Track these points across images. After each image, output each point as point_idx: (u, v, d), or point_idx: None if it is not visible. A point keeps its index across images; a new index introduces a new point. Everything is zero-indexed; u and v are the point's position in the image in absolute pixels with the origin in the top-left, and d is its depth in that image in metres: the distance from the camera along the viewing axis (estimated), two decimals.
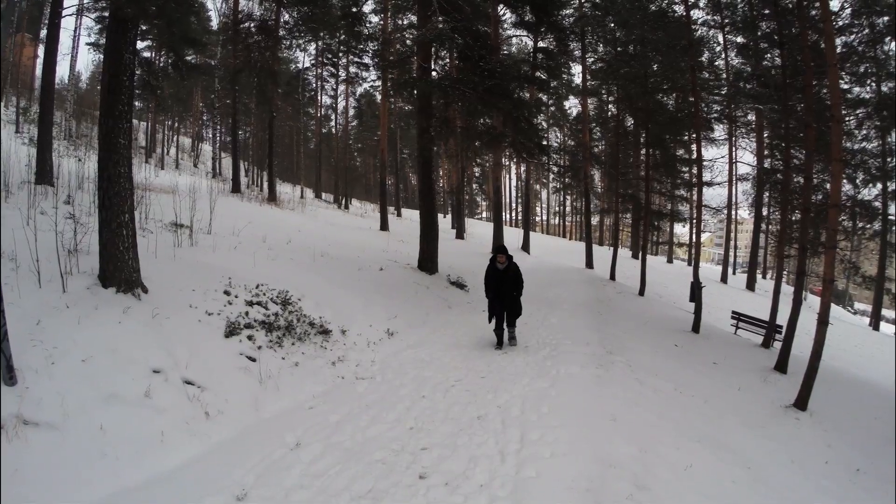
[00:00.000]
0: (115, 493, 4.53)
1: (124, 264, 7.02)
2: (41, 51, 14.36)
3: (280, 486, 4.83)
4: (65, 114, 32.99)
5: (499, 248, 10.66)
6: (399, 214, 41.49)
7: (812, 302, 25.94)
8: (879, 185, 25.18)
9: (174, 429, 5.43)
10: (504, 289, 10.29)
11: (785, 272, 19.04)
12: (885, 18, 15.76)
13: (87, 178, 12.37)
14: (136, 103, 37.69)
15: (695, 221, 20.42)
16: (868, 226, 25.05)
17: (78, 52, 39.03)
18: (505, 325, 10.50)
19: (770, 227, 34.56)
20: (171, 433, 5.36)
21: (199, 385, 6.18)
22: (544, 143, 20.16)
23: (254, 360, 7.28)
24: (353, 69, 40.77)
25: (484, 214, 72.25)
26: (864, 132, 21.43)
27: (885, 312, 33.65)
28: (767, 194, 29.64)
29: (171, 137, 51.85)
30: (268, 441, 5.68)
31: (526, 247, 32.22)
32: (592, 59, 30.13)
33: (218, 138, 53.10)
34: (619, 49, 24.87)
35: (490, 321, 10.58)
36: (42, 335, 5.58)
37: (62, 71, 65.42)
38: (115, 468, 4.75)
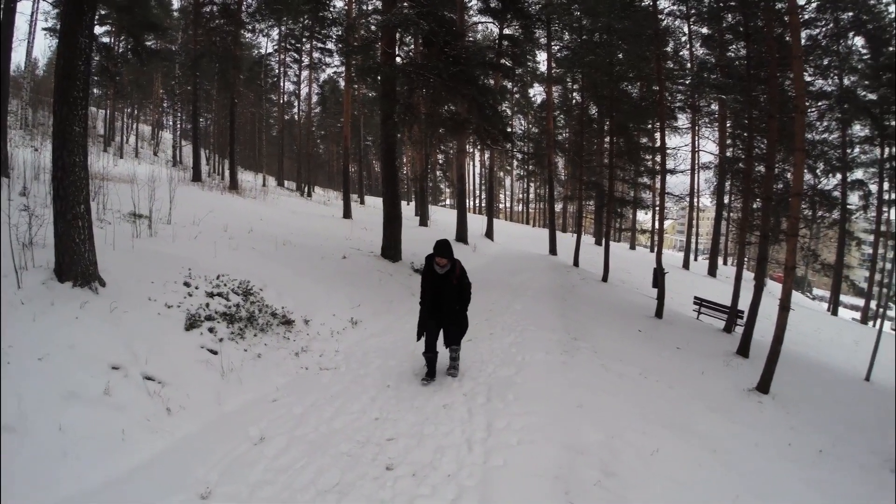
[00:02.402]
0: (76, 494, 4.42)
1: (80, 257, 6.82)
2: None
3: (245, 482, 4.76)
4: (21, 102, 32.20)
5: (439, 246, 7.56)
6: (362, 202, 41.28)
7: (772, 287, 26.52)
8: (839, 175, 25.80)
9: (135, 426, 5.30)
10: (444, 299, 7.63)
11: (746, 259, 19.31)
12: (850, 14, 16.04)
13: (44, 168, 12.03)
14: (95, 90, 37.06)
15: (657, 209, 20.61)
16: (827, 214, 25.67)
17: (34, 38, 38.05)
18: (442, 345, 7.89)
19: (731, 214, 35.17)
20: (133, 431, 5.23)
21: (159, 380, 6.06)
22: (509, 130, 20.09)
23: (215, 352, 7.15)
24: (316, 55, 40.33)
25: (448, 201, 72.34)
26: (826, 124, 21.89)
27: (843, 298, 34.51)
28: (729, 183, 30.08)
29: (131, 125, 50.95)
30: (231, 436, 5.59)
31: (490, 233, 32.27)
32: (558, 47, 30.29)
33: (178, 126, 52.20)
34: (584, 37, 24.99)
35: (419, 338, 7.73)
36: None
37: (18, 58, 63.71)
38: (77, 469, 4.63)
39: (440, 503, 4.59)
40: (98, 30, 25.02)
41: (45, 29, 34.18)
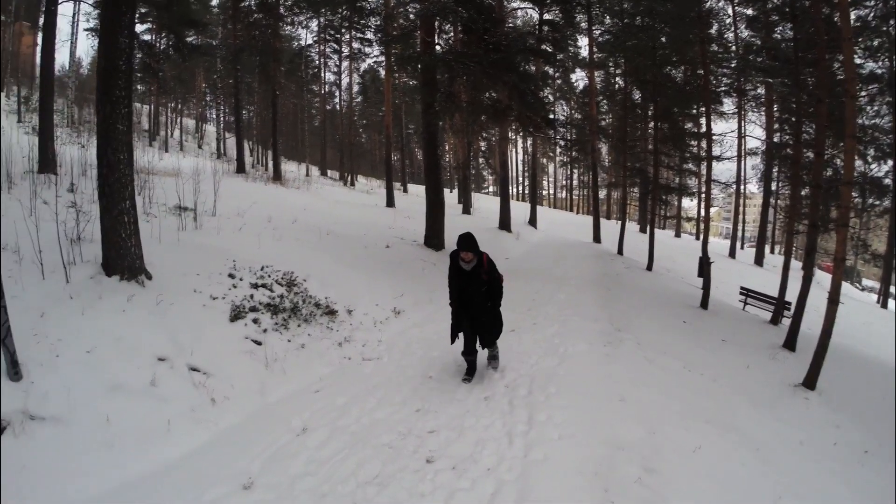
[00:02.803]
0: (122, 484, 4.53)
1: (127, 252, 6.98)
2: (40, 38, 14.32)
3: (286, 473, 4.82)
4: (67, 101, 33.01)
5: (462, 240, 6.94)
6: (405, 190, 41.32)
7: (821, 278, 25.76)
8: (890, 162, 25.00)
9: (180, 417, 5.42)
10: (473, 297, 7.15)
11: (794, 248, 18.92)
12: None
13: (91, 164, 12.22)
14: (139, 87, 37.77)
15: (703, 196, 20.25)
16: (878, 203, 24.89)
17: (77, 39, 38.98)
18: (478, 345, 7.41)
19: (779, 202, 34.35)
20: (177, 421, 5.35)
21: (204, 371, 6.17)
22: (551, 116, 19.88)
23: (259, 343, 7.26)
24: (355, 45, 40.48)
25: (490, 189, 71.95)
26: (876, 108, 21.19)
27: (893, 290, 33.52)
28: (777, 169, 29.40)
29: (175, 120, 51.77)
30: (274, 427, 5.66)
31: (533, 221, 32.04)
32: (599, 32, 29.77)
33: (221, 119, 53.01)
34: (626, 21, 24.54)
35: (453, 341, 7.46)
36: (46, 328, 5.57)
37: (62, 58, 65.47)
38: (122, 459, 4.75)
39: (479, 497, 4.57)
40: (139, 28, 25.50)
41: (87, 29, 34.99)
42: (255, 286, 8.47)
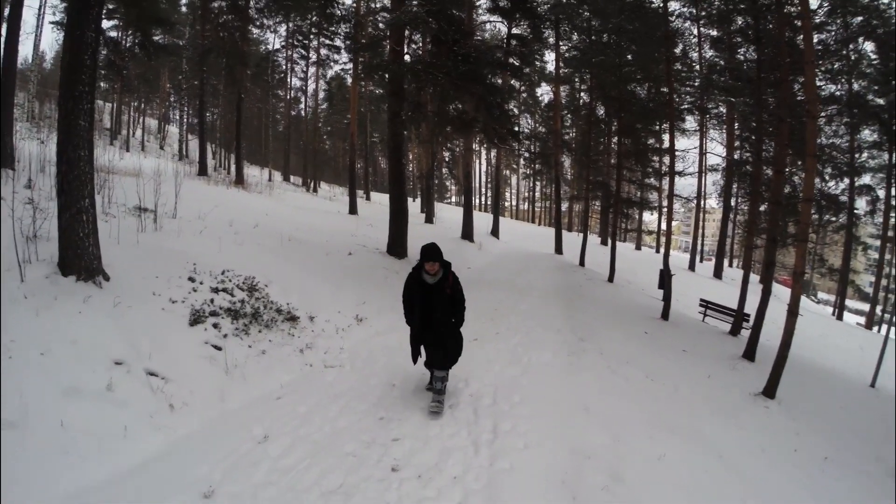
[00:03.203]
0: (78, 490, 4.38)
1: (84, 251, 6.78)
2: (4, 29, 14.03)
3: (248, 482, 4.71)
4: (28, 95, 32.28)
5: (427, 250, 6.49)
6: (368, 198, 41.25)
7: (778, 291, 26.28)
8: (847, 180, 25.64)
9: (138, 422, 5.26)
10: (434, 313, 6.61)
11: (752, 262, 19.34)
12: (860, 18, 15.95)
13: (49, 161, 11.94)
14: (102, 84, 37.14)
15: (665, 210, 20.53)
16: (834, 219, 25.52)
17: (42, 32, 38.08)
18: (433, 368, 6.89)
19: (738, 217, 35.04)
20: (135, 427, 5.19)
21: (163, 376, 6.00)
22: (516, 129, 20.02)
23: (220, 348, 7.10)
24: (324, 51, 40.47)
25: (453, 199, 72.31)
26: (835, 128, 21.79)
27: (848, 303, 34.35)
28: (736, 185, 30.01)
29: (137, 119, 51.01)
30: (235, 434, 5.54)
31: (496, 232, 32.16)
32: (566, 48, 30.14)
33: (185, 120, 52.38)
34: (593, 38, 24.91)
35: (415, 360, 6.95)
36: None
37: (26, 51, 64.00)
38: (78, 465, 4.59)
39: None
40: (106, 24, 25.05)
41: (52, 22, 34.18)
42: (216, 290, 8.31)
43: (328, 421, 6.05)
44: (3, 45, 13.98)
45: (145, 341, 6.30)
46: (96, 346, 5.81)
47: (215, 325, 7.48)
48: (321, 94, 49.01)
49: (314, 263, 12.00)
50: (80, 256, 6.76)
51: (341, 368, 7.89)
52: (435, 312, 6.62)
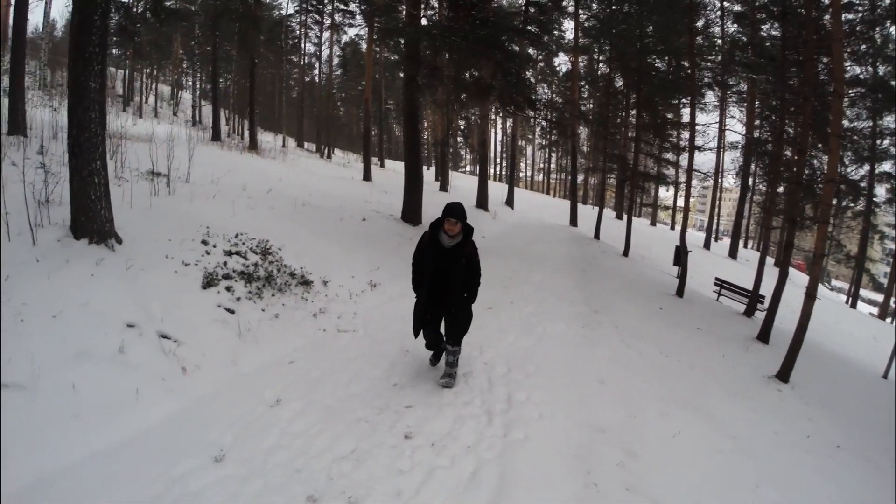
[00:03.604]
0: (88, 454, 4.34)
1: (96, 214, 6.72)
2: None
3: (259, 446, 4.66)
4: (39, 63, 32.23)
5: (451, 207, 5.85)
6: (382, 165, 41.04)
7: (793, 275, 26.05)
8: (867, 166, 25.21)
9: (149, 385, 5.22)
10: (448, 282, 5.95)
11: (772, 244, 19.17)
12: (888, 1, 15.52)
13: (62, 128, 11.91)
14: (114, 51, 36.97)
15: (683, 185, 20.28)
16: (852, 204, 25.15)
17: None
18: (444, 341, 6.37)
19: (755, 197, 34.64)
20: (146, 390, 5.15)
21: (175, 339, 5.97)
22: (533, 97, 19.76)
23: (232, 312, 7.07)
24: (338, 16, 40.01)
25: (468, 168, 72.01)
26: (857, 112, 21.37)
27: (863, 293, 34.03)
28: (755, 165, 29.58)
29: (150, 86, 50.81)
30: (247, 398, 5.50)
31: (510, 202, 32.05)
32: (585, 17, 29.62)
33: (198, 86, 52.14)
34: (613, 7, 24.42)
35: (417, 334, 6.33)
36: (10, 291, 5.34)
37: (36, 19, 63.83)
38: (89, 429, 4.55)
39: (459, 476, 4.47)
40: None
41: None
42: (229, 254, 8.26)
43: (341, 386, 6.01)
44: (12, 13, 13.88)
45: (158, 304, 6.26)
46: (108, 308, 5.77)
47: (228, 289, 7.43)
48: (335, 60, 48.78)
49: (328, 228, 11.94)
50: (91, 219, 6.71)
51: (354, 333, 7.85)
52: (448, 281, 5.93)
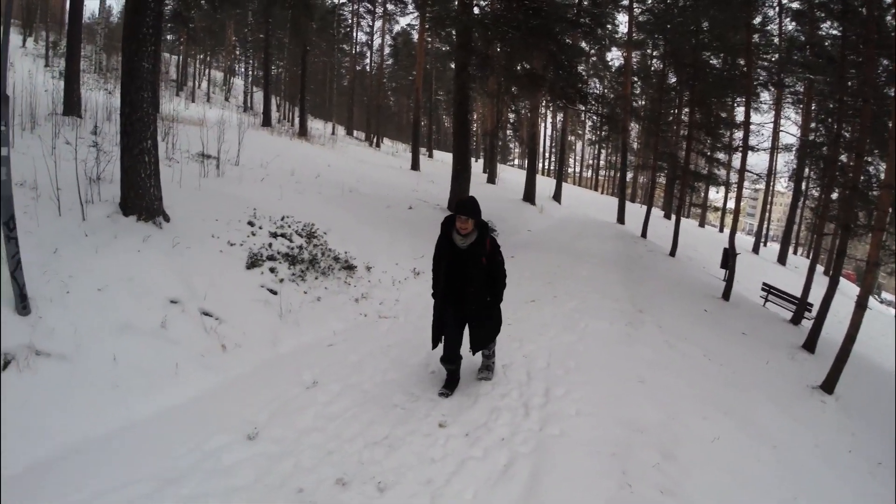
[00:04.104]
0: (125, 425, 4.43)
1: (146, 192, 6.85)
2: None
3: (293, 426, 4.69)
4: (95, 48, 32.98)
5: (461, 202, 5.36)
6: (431, 156, 41.13)
7: (843, 286, 25.35)
8: None
9: (189, 361, 5.31)
10: (466, 286, 5.38)
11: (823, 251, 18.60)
12: None
13: (116, 109, 12.13)
14: (169, 36, 37.55)
15: (734, 187, 19.86)
16: None
17: None
18: (469, 349, 5.73)
19: (807, 202, 33.80)
20: (186, 365, 5.24)
21: (216, 317, 6.05)
22: (585, 91, 19.54)
23: (275, 293, 7.14)
24: (390, 6, 40.22)
25: (516, 162, 71.91)
26: None
27: None
28: (808, 169, 28.84)
29: (203, 71, 51.62)
30: (284, 378, 5.54)
31: (558, 196, 31.82)
32: (640, 10, 29.19)
33: (250, 73, 52.73)
34: (668, 1, 23.98)
35: (435, 345, 5.72)
36: (58, 264, 5.46)
37: (93, 5, 65.74)
38: (127, 400, 4.64)
39: (492, 468, 4.40)
40: None
41: None
42: (275, 235, 8.34)
43: (379, 371, 6.01)
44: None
45: (201, 282, 6.35)
46: (153, 284, 5.87)
47: (272, 270, 7.52)
48: (387, 50, 48.86)
49: (374, 215, 11.99)
50: (141, 197, 6.84)
51: (395, 320, 7.87)
52: (467, 286, 5.38)
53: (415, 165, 27.80)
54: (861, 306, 9.49)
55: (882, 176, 10.99)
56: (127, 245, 6.22)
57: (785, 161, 33.58)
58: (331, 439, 4.57)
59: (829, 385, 9.38)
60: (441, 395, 5.61)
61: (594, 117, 43.32)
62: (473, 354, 5.80)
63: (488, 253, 5.40)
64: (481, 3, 17.98)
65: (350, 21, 46.81)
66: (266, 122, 29.34)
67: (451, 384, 5.75)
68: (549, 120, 62.14)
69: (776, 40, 24.04)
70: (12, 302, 4.72)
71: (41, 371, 4.44)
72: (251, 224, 8.29)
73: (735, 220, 17.13)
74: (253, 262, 7.38)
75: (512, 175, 38.81)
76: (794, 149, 29.13)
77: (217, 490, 3.79)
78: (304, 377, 5.60)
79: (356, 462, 4.29)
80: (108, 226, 6.43)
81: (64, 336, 4.76)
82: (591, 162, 70.30)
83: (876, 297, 43.80)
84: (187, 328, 5.65)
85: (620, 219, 29.10)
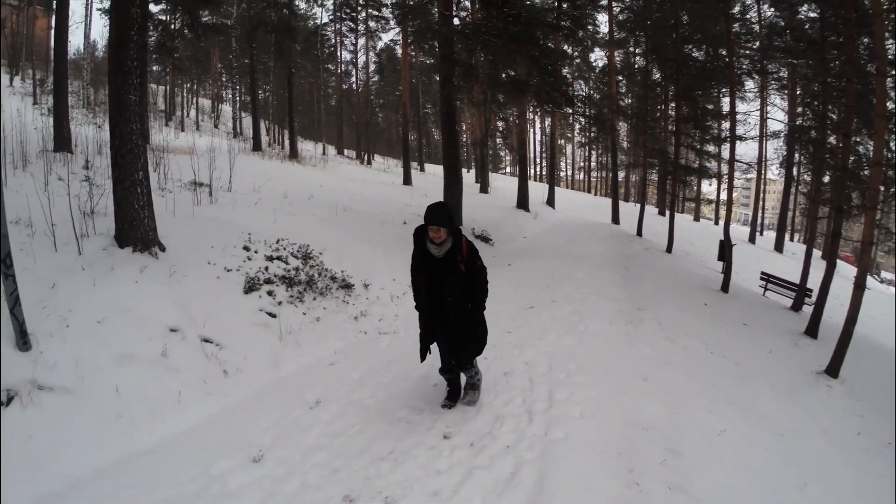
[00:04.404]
0: (130, 454, 4.45)
1: (140, 223, 6.90)
2: (53, 20, 14.62)
3: (297, 446, 4.70)
4: (82, 83, 33.10)
5: (432, 210, 4.96)
6: (422, 169, 41.21)
7: (840, 268, 25.38)
8: None
9: (191, 388, 5.34)
10: (445, 296, 5.15)
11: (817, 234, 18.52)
12: None
13: (106, 143, 12.22)
14: (155, 67, 37.77)
15: (725, 177, 19.90)
16: None
17: (91, 21, 38.93)
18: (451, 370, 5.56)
19: (800, 188, 33.89)
20: (188, 392, 5.27)
21: (217, 343, 6.08)
22: (570, 93, 19.64)
23: (274, 316, 7.16)
24: (372, 23, 40.33)
25: (508, 169, 71.89)
26: None
27: None
28: (798, 154, 28.91)
29: (190, 100, 51.65)
30: (287, 399, 5.56)
31: (551, 201, 31.89)
32: (619, 9, 29.37)
33: (237, 99, 52.85)
34: None
35: (423, 357, 5.52)
36: (57, 298, 5.48)
37: (77, 41, 66.38)
38: (131, 430, 4.67)
39: (498, 476, 4.40)
40: (154, 8, 25.45)
41: (99, 9, 34.73)
42: (271, 259, 8.38)
43: (381, 387, 6.03)
44: (53, 35, 14.26)
45: (200, 309, 6.38)
46: (152, 313, 5.89)
47: (270, 293, 7.54)
48: (372, 67, 49.10)
49: (369, 232, 12.03)
50: (135, 228, 6.88)
51: (395, 335, 7.90)
52: (446, 295, 5.15)
53: (407, 180, 27.83)
54: (859, 287, 9.52)
55: (871, 155, 11.02)
56: (124, 276, 6.25)
57: (774, 148, 33.63)
58: (336, 457, 4.57)
59: (833, 369, 9.39)
60: (444, 406, 5.54)
61: (582, 119, 43.61)
62: (459, 371, 5.58)
63: (466, 258, 5.15)
64: (461, 13, 18.11)
65: (333, 40, 46.96)
66: (256, 146, 29.41)
67: (453, 395, 5.66)
68: (538, 125, 62.32)
69: (756, 28, 24.11)
70: (13, 339, 4.74)
71: (45, 405, 4.46)
72: (246, 249, 8.32)
73: (728, 212, 17.12)
74: (250, 287, 7.41)
75: (504, 183, 38.91)
76: (782, 135, 29.15)
77: None
78: (306, 397, 5.62)
79: (362, 478, 4.29)
80: (104, 258, 6.46)
81: (66, 369, 4.78)
82: (582, 164, 70.37)
83: (875, 276, 43.84)
84: (188, 355, 5.67)
85: (615, 219, 29.12)
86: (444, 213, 4.96)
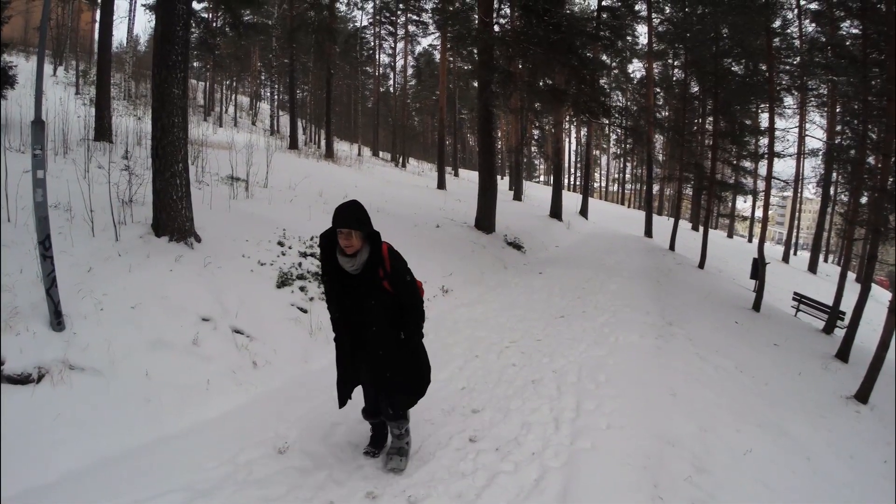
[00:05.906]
0: (156, 439, 4.48)
1: (177, 213, 7.00)
2: (98, 14, 14.96)
3: (324, 441, 4.70)
4: (124, 75, 33.68)
5: (337, 213, 3.67)
6: (456, 174, 41.27)
7: (875, 292, 24.93)
8: None
9: (220, 377, 5.37)
10: (366, 322, 3.95)
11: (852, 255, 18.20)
12: None
13: (146, 135, 12.45)
14: (195, 63, 38.26)
15: (761, 194, 19.64)
16: None
17: (135, 16, 39.96)
18: (382, 414, 4.38)
19: (836, 208, 33.38)
20: (217, 381, 5.30)
21: (248, 334, 6.12)
22: (608, 104, 19.53)
23: (305, 311, 7.21)
24: (411, 27, 40.60)
25: (541, 178, 71.88)
26: None
27: None
28: (836, 174, 28.47)
29: (230, 97, 52.22)
30: (315, 393, 5.56)
31: (584, 212, 31.77)
32: (659, 20, 29.17)
33: (276, 97, 53.40)
34: (686, 9, 23.95)
35: (342, 403, 4.27)
36: (92, 282, 5.56)
37: (120, 35, 68.32)
38: (159, 415, 4.71)
39: (522, 482, 4.37)
40: (196, 6, 25.86)
41: (143, 5, 35.33)
42: (304, 255, 8.45)
43: None
44: (98, 28, 14.56)
45: (233, 300, 6.43)
46: (185, 302, 5.96)
47: (302, 289, 7.59)
48: (409, 70, 49.27)
49: (401, 234, 12.02)
50: (172, 218, 6.99)
51: (425, 337, 7.87)
52: (369, 324, 3.95)
53: (441, 184, 27.85)
54: (893, 311, 9.33)
55: None
56: (160, 264, 6.34)
57: (812, 166, 33.19)
58: (361, 454, 4.58)
59: (863, 394, 9.21)
60: (366, 454, 4.51)
61: (618, 130, 43.42)
62: (388, 422, 4.42)
63: (390, 274, 3.87)
64: (501, 20, 18.10)
65: (373, 44, 47.33)
66: (293, 144, 29.63)
67: (376, 442, 4.61)
68: (574, 135, 62.22)
69: (797, 43, 23.85)
70: (48, 318, 4.83)
71: (75, 385, 4.52)
72: (281, 244, 8.41)
73: (763, 229, 16.92)
74: (283, 281, 7.48)
75: (537, 192, 38.80)
76: (820, 153, 28.76)
77: (249, 501, 3.81)
78: (334, 393, 5.63)
79: (387, 476, 4.30)
80: (140, 246, 6.56)
81: (98, 351, 4.85)
82: (616, 175, 70.03)
83: None
84: (219, 345, 5.72)
85: (648, 232, 28.91)
86: (353, 213, 3.71)
